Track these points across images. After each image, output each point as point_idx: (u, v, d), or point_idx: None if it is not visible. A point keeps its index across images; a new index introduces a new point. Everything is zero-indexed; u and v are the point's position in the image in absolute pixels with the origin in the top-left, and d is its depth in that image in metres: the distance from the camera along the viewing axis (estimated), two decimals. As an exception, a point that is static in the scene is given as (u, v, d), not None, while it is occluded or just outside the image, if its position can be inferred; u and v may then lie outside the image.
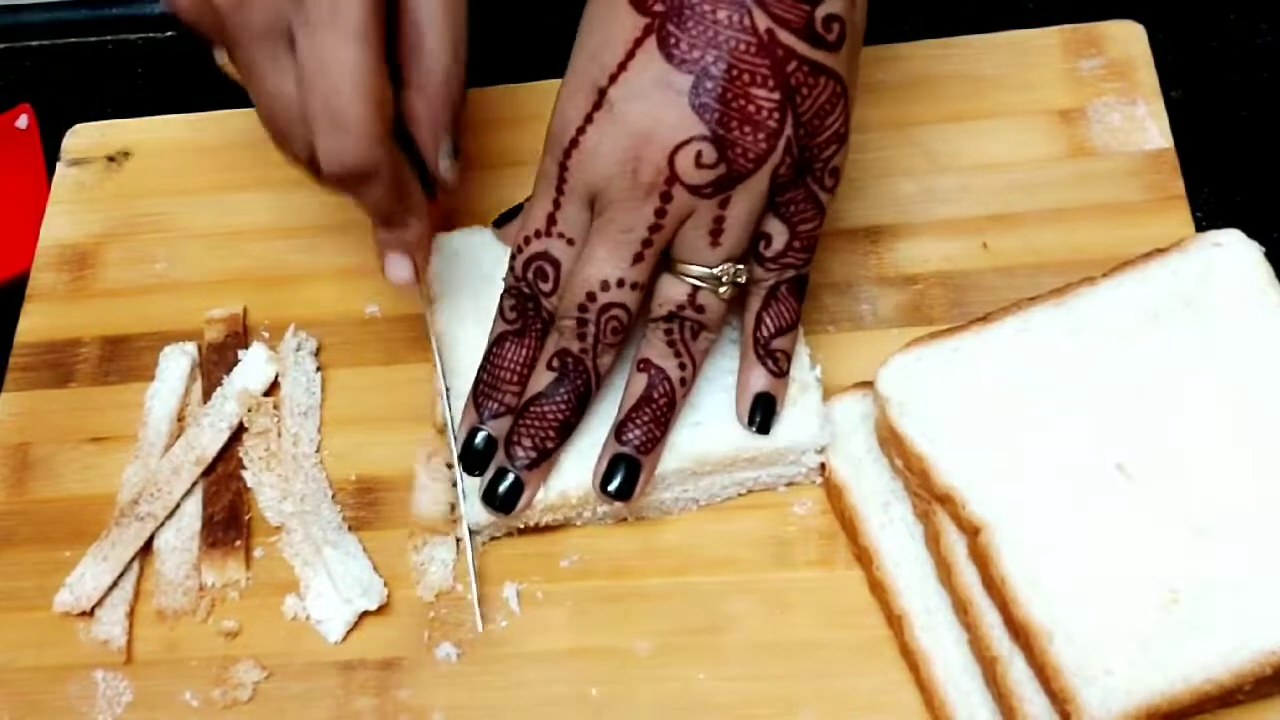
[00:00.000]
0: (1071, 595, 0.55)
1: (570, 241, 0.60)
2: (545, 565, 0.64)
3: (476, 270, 0.68)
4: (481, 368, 0.63)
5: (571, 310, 0.59)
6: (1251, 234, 0.63)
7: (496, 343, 0.63)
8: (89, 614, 0.65)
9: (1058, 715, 0.55)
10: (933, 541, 0.59)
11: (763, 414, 0.62)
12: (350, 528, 0.66)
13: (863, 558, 0.62)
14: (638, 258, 0.58)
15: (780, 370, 0.62)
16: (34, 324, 0.75)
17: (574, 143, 0.57)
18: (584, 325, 0.59)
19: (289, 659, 0.64)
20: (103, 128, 0.81)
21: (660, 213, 0.56)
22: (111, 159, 0.80)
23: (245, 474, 0.68)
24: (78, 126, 0.82)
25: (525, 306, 0.62)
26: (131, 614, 0.66)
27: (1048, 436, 0.59)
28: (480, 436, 0.63)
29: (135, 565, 0.66)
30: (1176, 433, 0.58)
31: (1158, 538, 0.56)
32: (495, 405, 0.62)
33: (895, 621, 0.60)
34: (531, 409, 0.61)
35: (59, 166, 0.81)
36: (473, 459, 0.63)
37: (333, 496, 0.67)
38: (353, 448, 0.69)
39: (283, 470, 0.67)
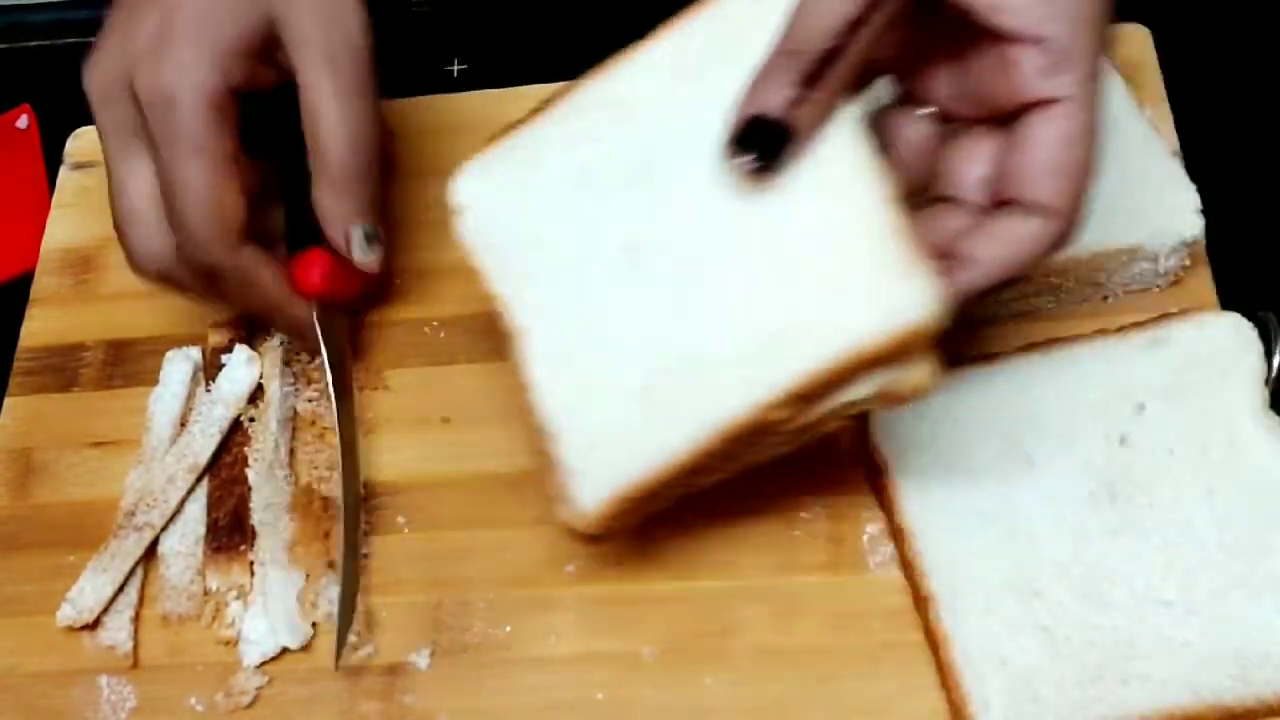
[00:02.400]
0: (572, 393, 0.56)
1: None
2: (549, 570, 0.64)
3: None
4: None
5: None
6: (1252, 234, 0.63)
7: None
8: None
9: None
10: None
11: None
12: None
13: (897, 536, 0.62)
14: None
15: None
16: (37, 328, 0.75)
17: None
18: None
19: (293, 664, 0.63)
20: (106, 131, 0.81)
21: None
22: (115, 162, 0.80)
23: (249, 472, 0.68)
24: (81, 130, 0.81)
25: None
26: (136, 619, 0.65)
27: (573, 229, 0.57)
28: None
29: (139, 570, 0.66)
30: (684, 210, 0.55)
31: (645, 323, 0.55)
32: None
33: (921, 602, 0.60)
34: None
35: (62, 170, 0.80)
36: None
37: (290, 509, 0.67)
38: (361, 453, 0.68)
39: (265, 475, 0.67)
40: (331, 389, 0.66)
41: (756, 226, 0.54)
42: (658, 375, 0.55)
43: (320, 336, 0.67)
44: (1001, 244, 0.52)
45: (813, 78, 0.51)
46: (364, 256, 0.65)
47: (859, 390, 0.54)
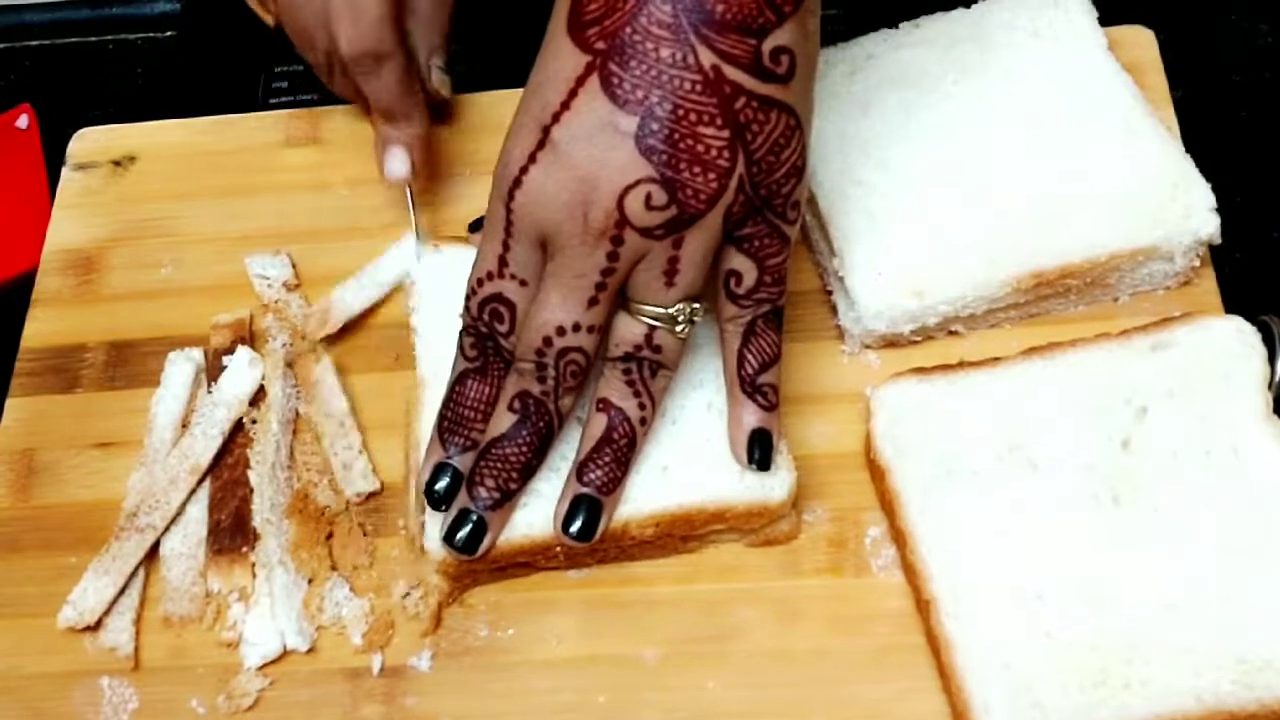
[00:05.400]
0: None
1: (523, 283, 0.58)
2: (552, 574, 0.64)
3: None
4: (444, 405, 0.62)
5: (529, 354, 0.58)
6: (1251, 235, 0.63)
7: (459, 381, 0.61)
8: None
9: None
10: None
11: (761, 450, 0.61)
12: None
13: (899, 539, 0.62)
14: (592, 301, 0.56)
15: (770, 404, 0.61)
16: (39, 329, 0.75)
17: (517, 183, 0.56)
18: (543, 369, 0.58)
19: (295, 666, 0.63)
20: (108, 132, 0.81)
21: (612, 256, 0.55)
22: (117, 163, 0.80)
23: (251, 474, 0.68)
24: (83, 131, 0.81)
25: (485, 345, 0.60)
26: (138, 620, 0.65)
27: None
28: (445, 473, 0.61)
29: (141, 572, 0.66)
30: None
31: None
32: (461, 441, 0.61)
33: (923, 606, 0.60)
34: (493, 450, 0.60)
35: (64, 171, 0.80)
36: (437, 496, 0.61)
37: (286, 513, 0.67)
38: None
39: (268, 476, 0.67)
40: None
41: None
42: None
43: None
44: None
45: None
46: (440, 81, 0.74)
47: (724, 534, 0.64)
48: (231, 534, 0.66)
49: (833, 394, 0.67)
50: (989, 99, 0.70)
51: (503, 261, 0.58)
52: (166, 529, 0.67)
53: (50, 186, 0.81)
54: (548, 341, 0.57)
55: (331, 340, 0.71)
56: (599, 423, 0.60)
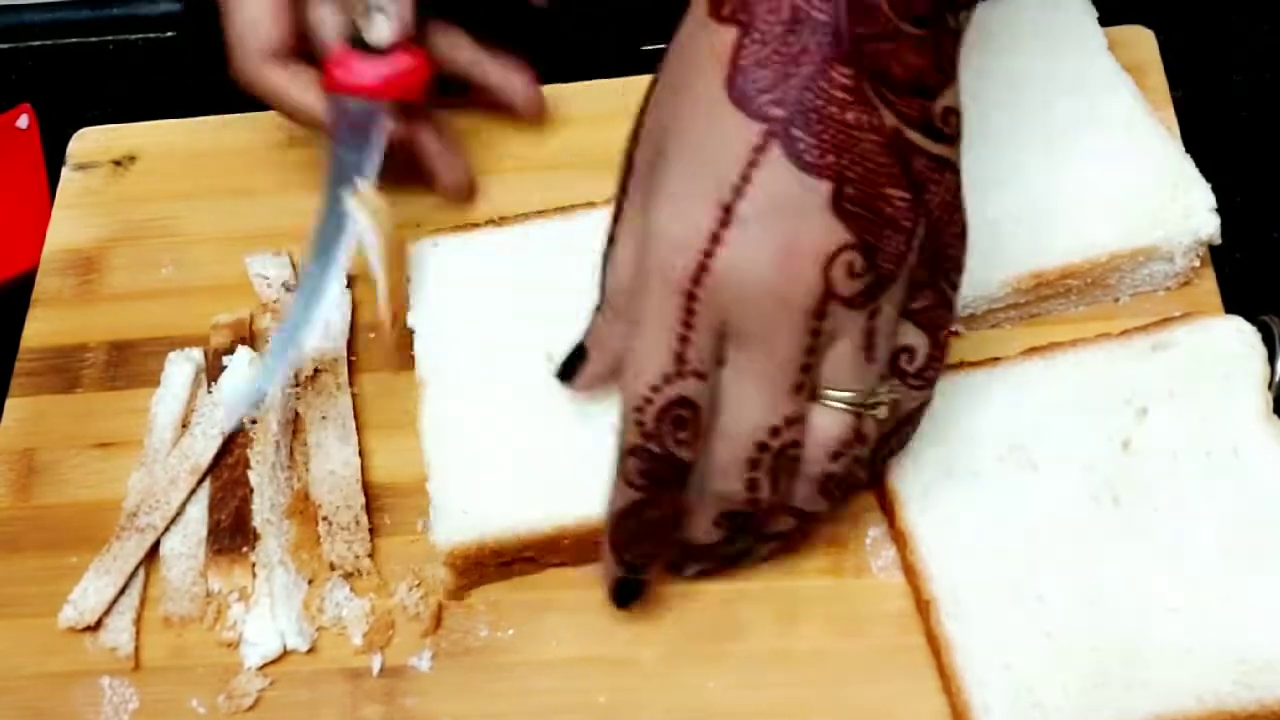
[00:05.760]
0: (459, 446, 0.64)
1: (703, 377, 0.52)
2: (553, 573, 0.64)
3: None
4: (617, 526, 0.56)
5: (737, 470, 0.53)
6: (1251, 235, 0.63)
7: (633, 508, 0.55)
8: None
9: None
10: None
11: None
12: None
13: (899, 540, 0.62)
14: (798, 388, 0.52)
15: (833, 499, 0.57)
16: (40, 329, 0.75)
17: (703, 267, 0.50)
18: (757, 484, 0.54)
19: (295, 666, 0.63)
20: (108, 132, 0.81)
21: (815, 333, 0.51)
22: (117, 163, 0.80)
23: (251, 474, 0.67)
24: (83, 130, 0.81)
25: (659, 470, 0.54)
26: (138, 620, 0.65)
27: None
28: (630, 588, 0.60)
29: (141, 572, 0.66)
30: None
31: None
32: (645, 554, 0.58)
33: (923, 606, 0.60)
34: (703, 555, 0.60)
35: (64, 171, 0.80)
36: (626, 596, 0.60)
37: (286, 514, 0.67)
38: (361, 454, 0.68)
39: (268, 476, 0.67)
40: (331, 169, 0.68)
41: None
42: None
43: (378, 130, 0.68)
44: None
45: None
46: (375, 28, 0.67)
47: None
48: (231, 534, 0.66)
49: (833, 394, 0.67)
50: (989, 98, 0.70)
51: (681, 359, 0.52)
52: (166, 529, 0.67)
53: (50, 186, 0.81)
54: (762, 447, 0.53)
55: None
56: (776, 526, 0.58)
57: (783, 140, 0.49)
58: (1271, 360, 0.62)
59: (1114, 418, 0.62)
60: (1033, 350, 0.65)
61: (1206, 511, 0.59)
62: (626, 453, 0.54)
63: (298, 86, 0.68)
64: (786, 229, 0.49)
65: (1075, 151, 0.68)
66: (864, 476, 0.57)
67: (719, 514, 0.56)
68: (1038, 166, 0.68)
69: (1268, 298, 0.67)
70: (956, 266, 0.54)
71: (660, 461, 0.53)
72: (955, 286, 0.54)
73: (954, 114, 0.51)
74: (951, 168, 0.52)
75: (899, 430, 0.57)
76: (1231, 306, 0.66)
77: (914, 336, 0.54)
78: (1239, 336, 0.63)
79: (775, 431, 0.52)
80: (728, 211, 0.49)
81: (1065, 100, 0.70)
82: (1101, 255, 0.65)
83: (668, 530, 0.57)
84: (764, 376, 0.52)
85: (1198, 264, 0.67)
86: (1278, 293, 0.69)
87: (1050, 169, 0.68)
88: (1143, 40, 0.74)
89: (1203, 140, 0.70)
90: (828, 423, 0.53)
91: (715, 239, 0.50)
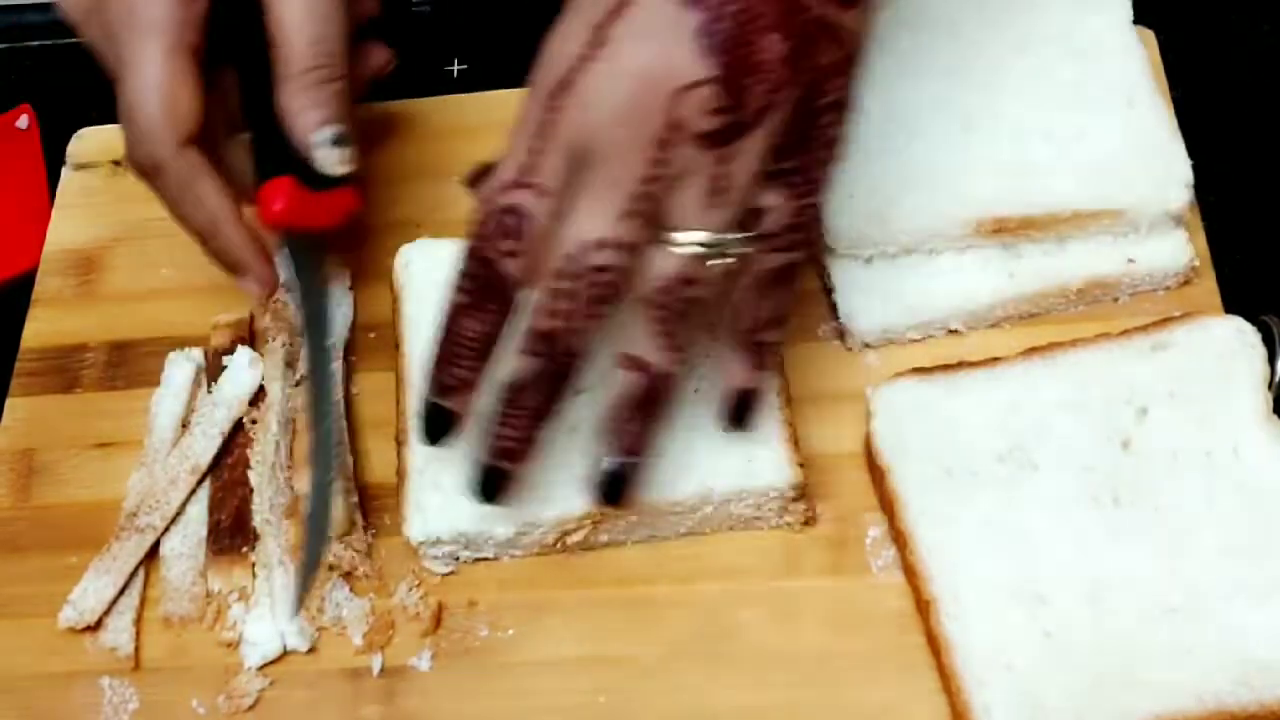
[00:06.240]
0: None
1: (545, 195, 0.52)
2: (553, 573, 0.64)
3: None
4: (438, 342, 0.57)
5: (549, 277, 0.53)
6: (1251, 235, 0.63)
7: (452, 316, 0.56)
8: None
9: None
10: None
11: (743, 411, 0.59)
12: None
13: (899, 540, 0.62)
14: (629, 214, 0.51)
15: (764, 365, 0.58)
16: (40, 329, 0.75)
17: (565, 84, 0.51)
18: (565, 295, 0.52)
19: (295, 666, 0.63)
20: (108, 132, 0.81)
21: (658, 163, 0.50)
22: (117, 163, 0.79)
23: (251, 474, 0.68)
24: (83, 131, 0.81)
25: (484, 275, 0.54)
26: (138, 620, 0.65)
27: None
28: (440, 416, 0.58)
29: (141, 571, 0.66)
30: None
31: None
32: (455, 377, 0.57)
33: (923, 606, 0.60)
34: (511, 400, 0.56)
35: (64, 171, 0.80)
36: (433, 429, 0.58)
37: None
38: (360, 454, 0.69)
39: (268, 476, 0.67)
40: (304, 323, 0.65)
41: None
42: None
43: (293, 270, 0.64)
44: None
45: None
46: (332, 161, 0.62)
47: None
48: (231, 534, 0.66)
49: (832, 394, 0.67)
50: (1004, 52, 0.71)
51: (526, 169, 0.52)
52: (166, 529, 0.67)
53: (50, 186, 0.81)
54: (572, 259, 0.52)
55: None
56: (626, 380, 0.56)
57: None
58: (1271, 360, 0.62)
59: (1114, 418, 0.62)
60: (1033, 350, 0.65)
61: (1206, 511, 0.59)
62: (462, 256, 0.55)
63: (210, 184, 0.63)
64: (651, 54, 0.49)
65: (1072, 111, 0.68)
66: (697, 328, 0.56)
67: (525, 333, 0.54)
68: (1031, 120, 0.68)
69: (1268, 298, 0.67)
70: (829, 141, 0.54)
71: (483, 265, 0.54)
72: (826, 160, 0.54)
73: None
74: (840, 32, 0.51)
75: (768, 294, 0.56)
76: (1231, 306, 0.67)
77: (773, 198, 0.53)
78: (1239, 336, 0.63)
79: (597, 246, 0.52)
80: (601, 32, 0.50)
81: (1074, 60, 0.70)
82: (1065, 211, 0.65)
83: (483, 355, 0.56)
84: (598, 197, 0.51)
85: (1198, 263, 0.67)
86: (1278, 293, 0.69)
87: (1043, 124, 0.68)
88: (1143, 40, 0.74)
89: (1203, 140, 0.70)
90: (662, 259, 0.53)
91: (584, 58, 0.50)
